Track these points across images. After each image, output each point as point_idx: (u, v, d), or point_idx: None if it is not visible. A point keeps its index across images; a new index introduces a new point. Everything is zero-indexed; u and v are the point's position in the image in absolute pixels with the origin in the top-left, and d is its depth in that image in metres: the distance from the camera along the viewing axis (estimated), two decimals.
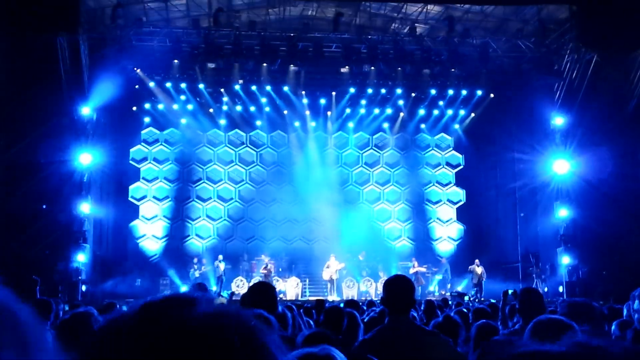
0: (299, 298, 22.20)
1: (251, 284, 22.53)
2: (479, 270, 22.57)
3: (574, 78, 22.28)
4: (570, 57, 22.42)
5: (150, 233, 25.35)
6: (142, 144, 25.98)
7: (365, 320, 7.49)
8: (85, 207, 21.09)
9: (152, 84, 24.13)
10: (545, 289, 22.44)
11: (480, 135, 26.38)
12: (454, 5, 22.90)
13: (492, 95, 25.22)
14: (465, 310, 7.82)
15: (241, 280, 23.08)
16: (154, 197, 25.75)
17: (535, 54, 23.30)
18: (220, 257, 22.98)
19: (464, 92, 25.13)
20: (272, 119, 26.01)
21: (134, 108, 24.92)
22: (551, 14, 22.86)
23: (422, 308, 9.82)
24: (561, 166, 22.44)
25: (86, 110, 21.44)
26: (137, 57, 22.98)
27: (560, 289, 21.87)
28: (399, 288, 4.12)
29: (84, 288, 20.48)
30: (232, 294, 19.08)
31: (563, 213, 22.38)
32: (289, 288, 22.96)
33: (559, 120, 22.70)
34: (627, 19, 20.52)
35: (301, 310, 9.58)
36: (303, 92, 25.15)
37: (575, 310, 4.67)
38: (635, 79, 22.23)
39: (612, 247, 21.59)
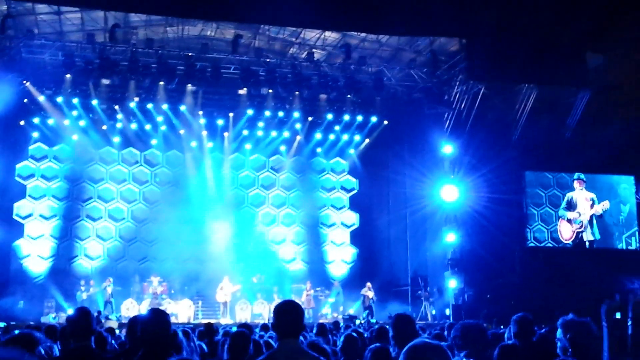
0: (192, 320, 21.89)
1: (142, 307, 22.07)
2: (370, 293, 23.01)
3: (463, 108, 23.29)
4: (459, 88, 23.41)
5: (35, 253, 24.26)
6: (30, 159, 24.95)
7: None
8: None
9: (42, 98, 23.23)
10: (433, 312, 23.17)
11: (374, 160, 27.02)
12: (350, 33, 23.48)
13: (386, 122, 25.88)
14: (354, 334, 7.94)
15: (131, 303, 22.51)
16: (41, 216, 24.72)
17: (427, 84, 24.16)
18: (110, 279, 22.39)
19: (359, 118, 25.68)
20: (168, 138, 25.62)
21: (22, 122, 23.89)
22: (442, 46, 23.83)
23: (314, 331, 9.89)
24: (449, 192, 23.29)
25: None
26: (27, 70, 22.18)
27: (447, 311, 22.60)
28: (287, 313, 4.20)
29: None
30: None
31: (450, 238, 23.20)
32: (182, 310, 22.59)
33: (448, 148, 23.59)
34: (512, 55, 21.75)
35: (195, 334, 9.49)
36: (200, 112, 24.95)
37: (467, 333, 4.82)
38: (519, 110, 23.52)
39: (495, 271, 22.62)
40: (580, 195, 24.32)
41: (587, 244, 24.09)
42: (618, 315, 4.89)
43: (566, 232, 24.18)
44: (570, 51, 22.30)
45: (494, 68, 22.10)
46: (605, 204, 24.30)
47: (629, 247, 24.33)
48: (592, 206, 24.32)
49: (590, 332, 4.61)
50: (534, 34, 21.73)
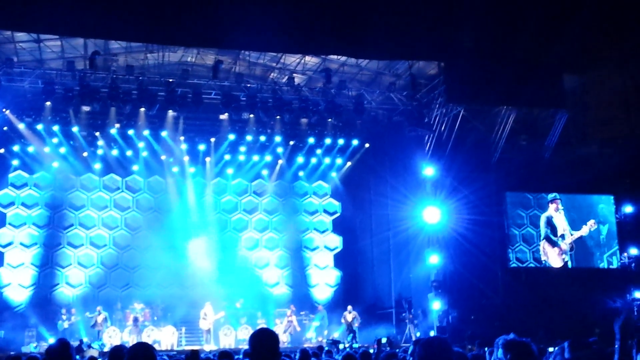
0: (175, 347, 21.70)
1: (125, 335, 21.85)
2: (350, 316, 22.99)
3: (443, 130, 23.41)
4: (439, 111, 23.56)
5: (15, 281, 24.02)
6: (10, 187, 24.79)
7: None
8: None
9: (22, 126, 23.14)
10: (418, 334, 23.10)
11: (356, 183, 27.15)
12: (330, 57, 23.65)
13: (367, 145, 26.06)
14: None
15: (114, 331, 22.27)
16: (21, 244, 24.50)
17: (407, 107, 24.30)
18: (99, 308, 22.19)
19: (340, 142, 25.80)
20: (149, 164, 25.55)
21: (2, 150, 23.83)
22: (421, 70, 24.06)
23: (297, 357, 9.83)
24: (431, 214, 23.35)
25: None
26: (7, 98, 22.12)
27: (432, 333, 22.54)
28: (262, 342, 4.17)
29: None
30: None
31: (434, 259, 23.20)
32: (165, 337, 22.37)
33: (429, 170, 23.67)
34: (490, 77, 21.99)
35: None
36: (182, 138, 24.93)
37: (428, 349, 4.76)
38: (498, 131, 23.73)
39: (479, 292, 22.67)
40: (558, 216, 24.44)
41: (569, 263, 24.22)
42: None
43: (554, 259, 24.08)
44: (548, 73, 22.59)
45: (472, 91, 22.31)
46: (592, 224, 24.40)
47: (611, 267, 24.49)
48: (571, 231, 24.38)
49: (530, 353, 4.58)
50: (512, 57, 22.01)
